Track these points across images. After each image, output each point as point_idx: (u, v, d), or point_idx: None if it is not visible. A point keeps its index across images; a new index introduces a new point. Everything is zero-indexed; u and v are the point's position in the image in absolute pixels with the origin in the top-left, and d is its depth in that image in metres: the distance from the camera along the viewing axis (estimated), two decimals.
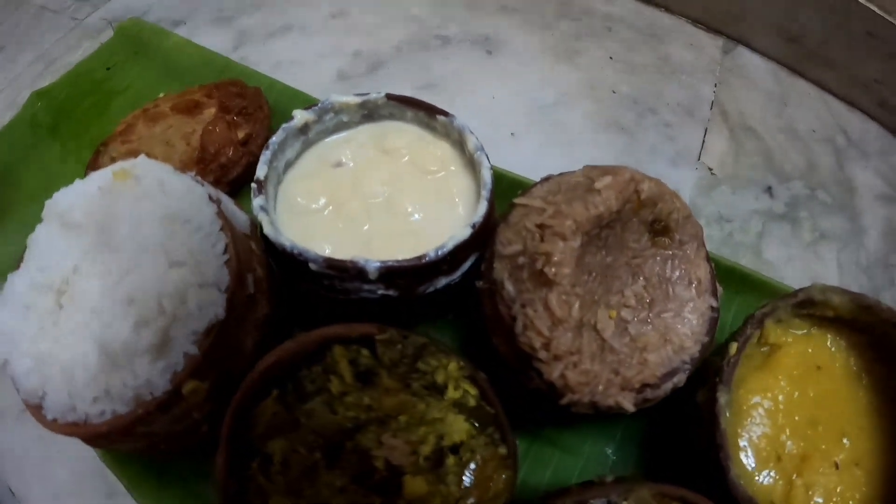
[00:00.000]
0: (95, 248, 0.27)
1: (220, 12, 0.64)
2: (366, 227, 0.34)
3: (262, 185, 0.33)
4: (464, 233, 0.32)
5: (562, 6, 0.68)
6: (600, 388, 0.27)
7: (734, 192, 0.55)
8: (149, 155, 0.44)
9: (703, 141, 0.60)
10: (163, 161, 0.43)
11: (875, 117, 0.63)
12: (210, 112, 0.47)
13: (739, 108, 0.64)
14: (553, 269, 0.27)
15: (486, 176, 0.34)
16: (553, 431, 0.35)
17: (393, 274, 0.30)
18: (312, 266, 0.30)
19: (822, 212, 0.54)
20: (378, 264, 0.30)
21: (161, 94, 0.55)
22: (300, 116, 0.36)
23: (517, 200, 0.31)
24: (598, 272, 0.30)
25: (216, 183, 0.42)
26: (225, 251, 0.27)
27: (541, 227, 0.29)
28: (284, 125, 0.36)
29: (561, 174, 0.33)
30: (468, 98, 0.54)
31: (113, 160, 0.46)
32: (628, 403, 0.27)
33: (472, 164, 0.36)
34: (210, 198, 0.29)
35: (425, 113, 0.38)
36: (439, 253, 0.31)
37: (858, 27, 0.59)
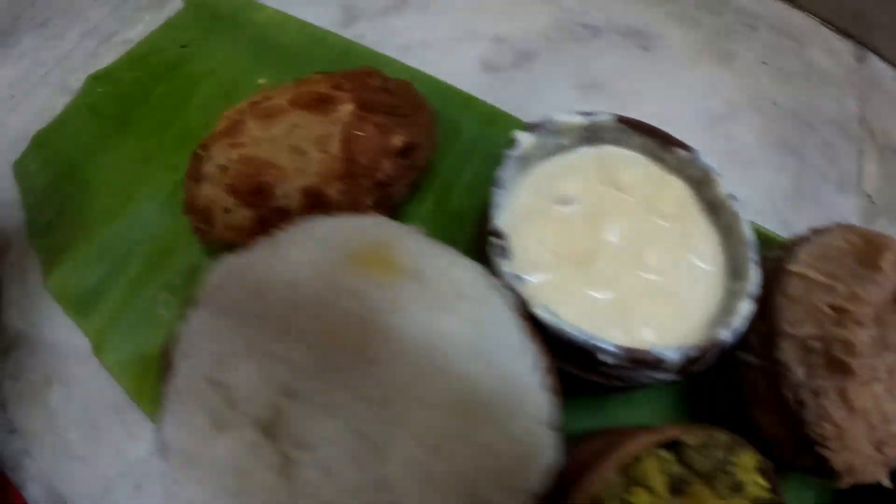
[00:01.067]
0: (336, 388, 0.18)
1: None
2: (615, 290, 0.28)
3: (504, 241, 0.25)
4: (747, 306, 0.27)
5: None
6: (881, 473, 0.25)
7: (892, 224, 0.49)
8: (274, 164, 0.37)
9: (860, 165, 0.54)
10: (296, 173, 0.36)
11: None
12: (346, 110, 0.38)
13: (883, 126, 0.58)
14: (854, 360, 0.25)
15: (747, 233, 0.29)
16: None
17: (691, 361, 0.26)
18: (602, 357, 0.24)
19: None
20: (677, 354, 0.25)
21: (261, 81, 0.46)
22: (525, 142, 0.29)
23: (792, 268, 0.28)
24: (893, 358, 0.26)
25: (377, 207, 0.34)
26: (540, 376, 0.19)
27: (835, 308, 0.26)
28: (509, 151, 0.28)
29: (814, 233, 0.30)
30: (639, 104, 0.46)
31: (224, 170, 0.37)
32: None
33: (712, 209, 0.31)
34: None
35: (659, 142, 0.31)
36: (734, 332, 0.26)
37: None
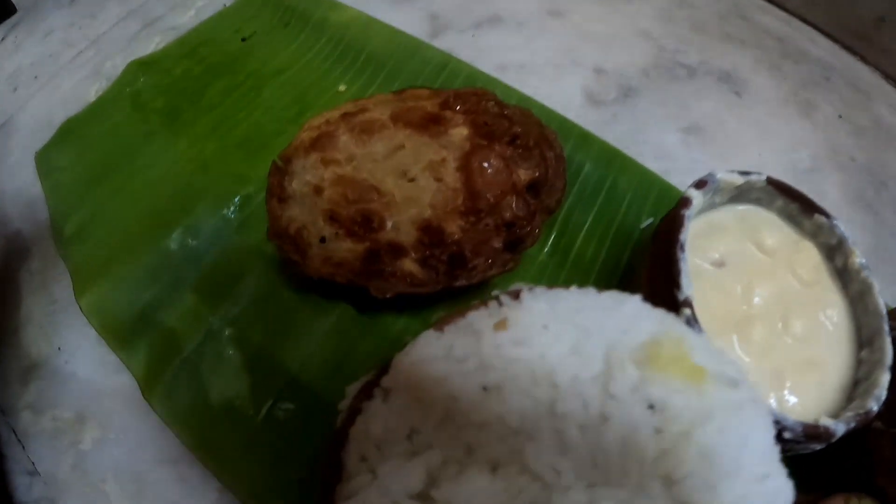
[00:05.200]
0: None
1: None
2: (770, 357, 0.29)
3: (694, 312, 0.25)
4: (887, 377, 0.29)
5: (779, 43, 0.64)
6: None
7: None
8: (379, 190, 0.35)
9: None
10: (406, 202, 0.34)
11: None
12: (461, 134, 0.36)
13: None
14: None
15: (880, 303, 0.31)
16: None
17: (851, 434, 0.27)
18: (786, 435, 0.25)
19: None
20: (844, 426, 0.27)
21: (341, 88, 0.44)
22: (696, 198, 0.29)
23: None
24: None
25: (505, 249, 0.32)
26: None
27: None
28: (686, 212, 0.28)
29: None
30: (739, 153, 0.48)
31: (317, 190, 0.34)
32: None
33: (843, 277, 0.32)
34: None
35: (800, 206, 0.33)
36: (880, 402, 0.28)
37: None
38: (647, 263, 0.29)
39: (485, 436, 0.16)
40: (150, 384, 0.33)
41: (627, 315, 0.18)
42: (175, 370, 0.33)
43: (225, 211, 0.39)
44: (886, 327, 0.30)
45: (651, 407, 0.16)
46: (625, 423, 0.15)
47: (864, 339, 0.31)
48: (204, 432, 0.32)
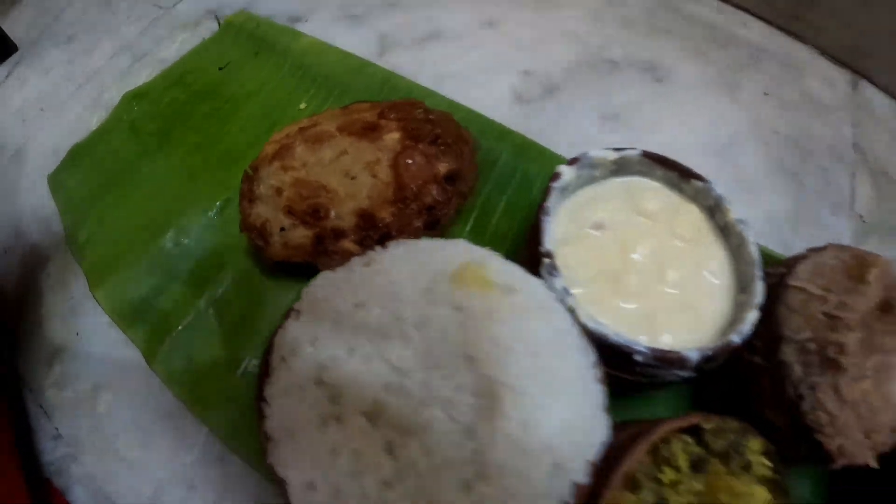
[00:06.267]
0: (429, 372, 0.24)
1: (347, 10, 0.62)
2: (641, 302, 0.35)
3: (552, 260, 0.32)
4: (754, 315, 0.34)
5: (708, 30, 0.70)
6: (871, 454, 0.32)
7: (881, 241, 0.57)
8: (326, 187, 0.43)
9: (853, 188, 0.63)
10: (348, 196, 0.42)
11: None
12: (393, 138, 0.45)
13: (874, 150, 0.67)
14: (844, 358, 0.32)
15: (754, 252, 0.36)
16: None
17: (707, 360, 0.33)
18: (638, 358, 0.31)
19: None
20: (696, 354, 0.32)
21: (302, 106, 0.53)
22: (566, 173, 0.36)
23: (792, 283, 0.35)
24: (880, 353, 0.34)
25: (426, 228, 0.40)
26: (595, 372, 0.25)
27: (828, 316, 0.34)
28: (553, 184, 0.35)
29: (811, 252, 0.37)
30: (654, 134, 0.55)
31: (278, 191, 0.43)
32: None
33: (724, 233, 0.38)
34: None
35: (678, 174, 0.39)
36: (743, 336, 0.33)
37: None
38: (528, 229, 0.37)
39: (358, 338, 0.24)
40: (152, 354, 0.42)
41: (453, 252, 0.26)
42: (171, 341, 0.42)
43: (210, 213, 0.48)
44: (760, 273, 0.36)
45: (457, 308, 0.24)
46: (441, 321, 0.23)
47: (741, 286, 0.37)
48: (195, 389, 0.40)
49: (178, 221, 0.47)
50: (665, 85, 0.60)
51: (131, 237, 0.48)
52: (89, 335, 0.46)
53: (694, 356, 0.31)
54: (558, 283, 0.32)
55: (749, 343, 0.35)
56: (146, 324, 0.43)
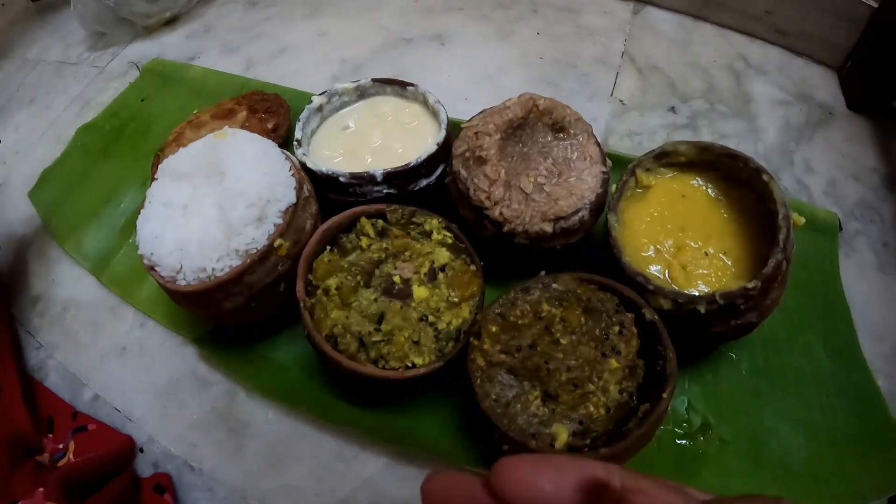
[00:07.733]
0: (207, 180, 0.49)
1: (226, 45, 0.91)
2: (369, 162, 0.58)
3: (300, 143, 0.57)
4: (432, 148, 0.56)
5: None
6: (528, 219, 0.49)
7: (642, 115, 0.73)
8: None
9: (615, 82, 0.78)
10: None
11: (773, 42, 0.79)
12: (242, 115, 0.71)
13: (647, 53, 0.82)
14: (484, 153, 0.50)
15: (443, 114, 0.59)
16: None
17: (392, 176, 0.54)
18: (341, 179, 0.54)
19: (721, 119, 0.70)
20: (382, 171, 0.54)
21: (195, 112, 0.80)
22: (316, 100, 0.61)
23: (463, 125, 0.55)
24: (518, 157, 0.52)
25: None
26: (290, 169, 0.50)
27: (476, 133, 0.52)
28: (308, 106, 0.60)
29: (491, 108, 0.56)
30: (431, 79, 0.78)
31: None
32: (549, 227, 0.49)
33: (434, 114, 0.61)
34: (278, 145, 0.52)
35: (399, 86, 0.63)
36: (419, 160, 0.55)
37: None
38: None
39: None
40: (101, 272, 0.66)
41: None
42: (114, 264, 0.67)
43: (138, 186, 0.74)
44: (444, 125, 0.56)
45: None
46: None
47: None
48: (131, 285, 0.64)
49: (124, 196, 0.74)
50: (447, 46, 0.84)
51: (92, 210, 0.74)
52: (61, 280, 0.69)
53: (379, 172, 0.53)
54: (300, 151, 0.56)
55: (445, 168, 0.55)
56: (97, 256, 0.68)
